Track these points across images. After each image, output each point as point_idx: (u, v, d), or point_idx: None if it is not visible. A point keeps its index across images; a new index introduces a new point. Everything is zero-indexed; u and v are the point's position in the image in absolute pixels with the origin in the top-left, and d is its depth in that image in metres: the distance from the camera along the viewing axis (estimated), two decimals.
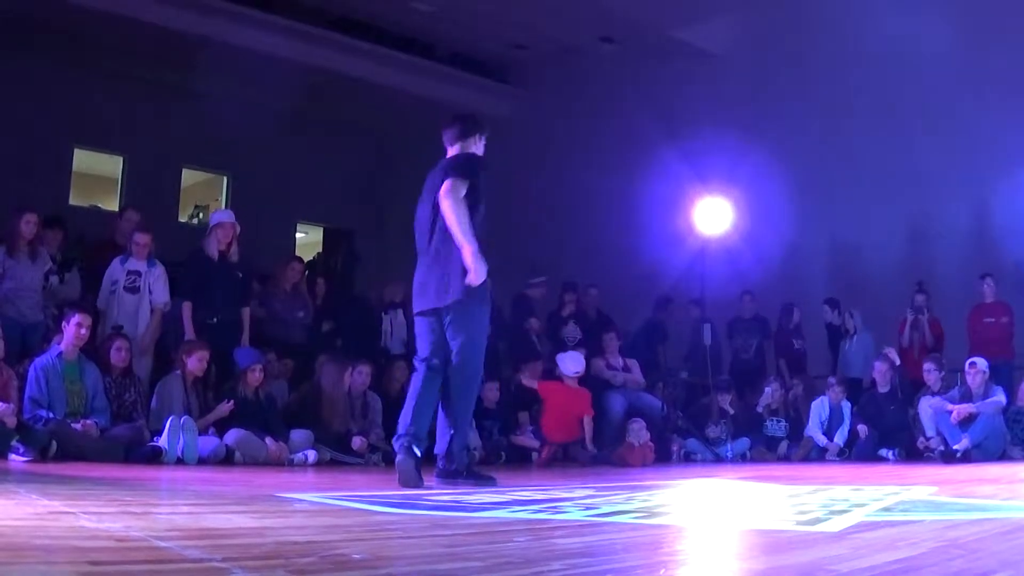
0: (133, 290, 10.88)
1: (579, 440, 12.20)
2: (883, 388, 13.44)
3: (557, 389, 12.23)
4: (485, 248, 6.79)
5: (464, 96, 21.44)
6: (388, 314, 13.79)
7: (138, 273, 10.93)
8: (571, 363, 12.31)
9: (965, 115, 15.15)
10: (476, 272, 6.70)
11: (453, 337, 6.90)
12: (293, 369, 12.05)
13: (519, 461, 11.92)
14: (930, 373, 12.92)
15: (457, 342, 6.89)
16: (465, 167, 7.06)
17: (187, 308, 10.86)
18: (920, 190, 15.87)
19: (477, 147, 7.39)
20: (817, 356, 15.85)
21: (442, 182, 6.92)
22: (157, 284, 11.05)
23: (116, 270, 10.94)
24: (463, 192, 6.85)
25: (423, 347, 7.07)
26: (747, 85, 18.12)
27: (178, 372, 10.05)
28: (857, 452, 12.99)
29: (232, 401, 9.96)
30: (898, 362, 13.65)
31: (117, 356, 9.85)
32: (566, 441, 12.24)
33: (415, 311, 7.20)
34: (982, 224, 15.28)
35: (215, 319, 10.94)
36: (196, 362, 10.07)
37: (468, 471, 7.03)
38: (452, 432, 6.94)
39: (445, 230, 6.91)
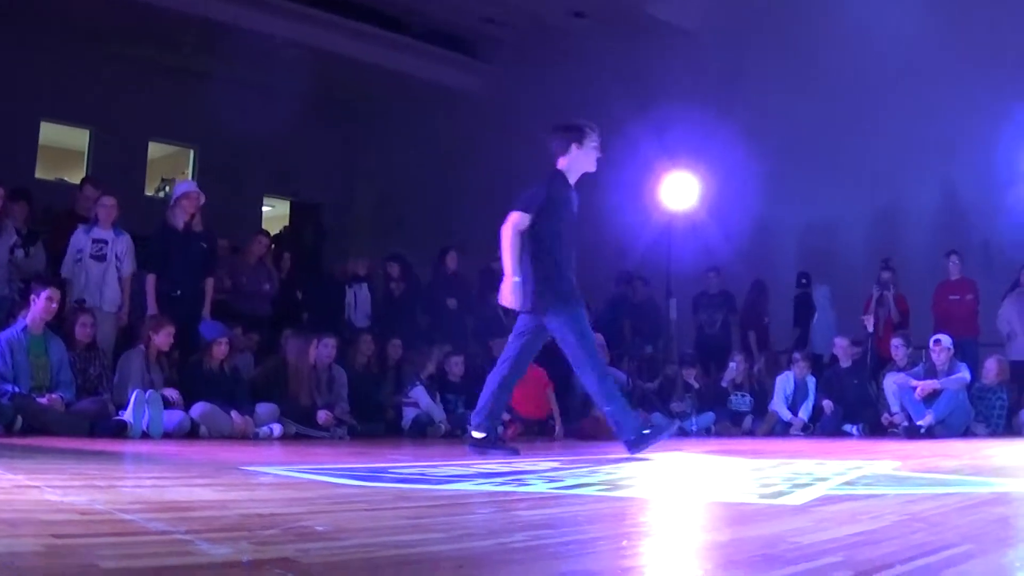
0: (100, 258, 10.78)
1: (549, 416, 12.20)
2: (845, 363, 13.54)
3: None
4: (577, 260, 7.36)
5: (435, 71, 21.47)
6: (352, 287, 13.78)
7: (104, 241, 10.83)
8: None
9: (933, 96, 15.27)
10: (506, 298, 7.47)
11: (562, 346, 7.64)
12: (258, 342, 12.05)
13: None
14: (898, 349, 13.04)
15: (566, 349, 7.59)
16: (526, 200, 7.58)
17: (151, 280, 10.78)
18: (888, 169, 15.99)
19: (579, 154, 7.74)
20: (782, 331, 15.96)
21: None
22: (127, 255, 10.99)
23: (81, 239, 10.82)
24: (523, 224, 7.48)
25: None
26: (719, 62, 18.17)
27: (141, 347, 10.00)
28: (821, 427, 13.07)
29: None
30: (871, 329, 13.80)
31: (82, 331, 9.81)
32: (536, 417, 12.23)
33: None
34: (948, 202, 15.40)
35: (178, 291, 10.89)
36: (164, 338, 10.03)
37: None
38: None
39: (530, 245, 7.57)
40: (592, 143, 7.75)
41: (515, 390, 12.01)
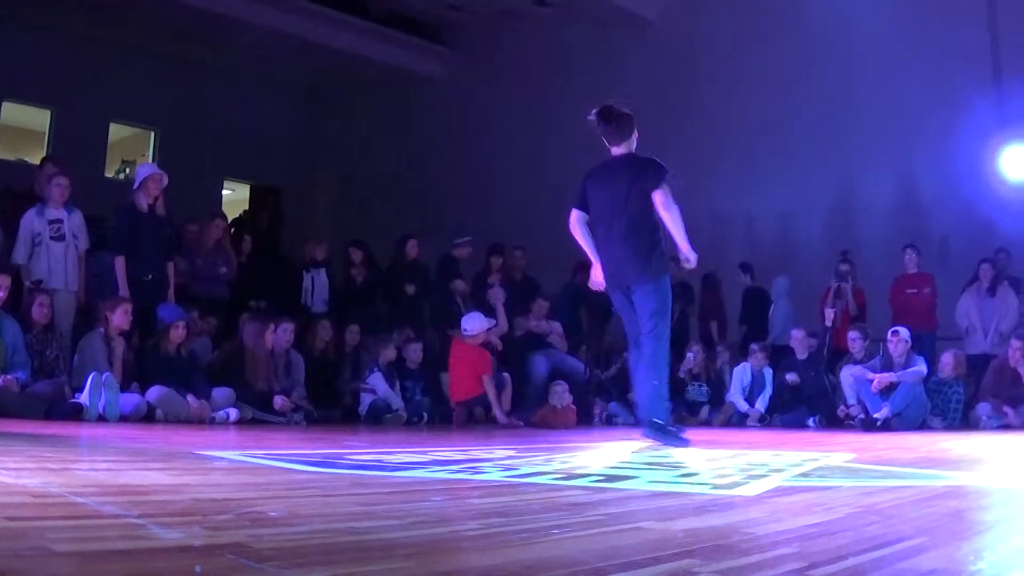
0: (59, 239, 10.72)
1: (481, 397, 12.18)
2: (801, 355, 13.57)
3: (460, 348, 12.28)
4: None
5: (398, 56, 21.44)
6: (310, 272, 13.71)
7: (60, 221, 10.76)
8: (469, 323, 12.29)
9: (893, 90, 15.36)
10: (693, 260, 8.06)
11: (645, 307, 7.79)
12: (216, 326, 11.99)
13: (441, 422, 11.96)
14: (855, 342, 13.05)
15: (649, 310, 7.76)
16: (665, 174, 7.77)
17: (120, 263, 10.67)
18: (846, 162, 16.05)
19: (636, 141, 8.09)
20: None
21: (634, 179, 7.81)
22: (82, 231, 10.95)
23: (35, 222, 10.71)
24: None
25: (632, 320, 8.01)
26: (679, 51, 18.19)
27: (101, 329, 9.94)
28: (779, 418, 13.12)
29: None
30: (829, 323, 13.86)
31: (39, 311, 9.75)
32: (468, 399, 12.23)
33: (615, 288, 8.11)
34: (907, 196, 15.48)
35: (150, 276, 10.82)
36: (121, 315, 9.97)
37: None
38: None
39: (632, 219, 7.81)
40: None
41: (452, 375, 12.28)
